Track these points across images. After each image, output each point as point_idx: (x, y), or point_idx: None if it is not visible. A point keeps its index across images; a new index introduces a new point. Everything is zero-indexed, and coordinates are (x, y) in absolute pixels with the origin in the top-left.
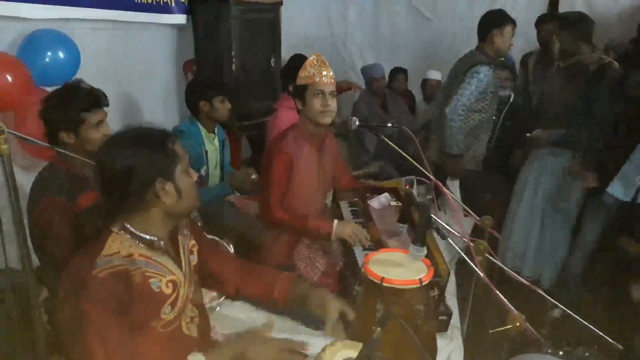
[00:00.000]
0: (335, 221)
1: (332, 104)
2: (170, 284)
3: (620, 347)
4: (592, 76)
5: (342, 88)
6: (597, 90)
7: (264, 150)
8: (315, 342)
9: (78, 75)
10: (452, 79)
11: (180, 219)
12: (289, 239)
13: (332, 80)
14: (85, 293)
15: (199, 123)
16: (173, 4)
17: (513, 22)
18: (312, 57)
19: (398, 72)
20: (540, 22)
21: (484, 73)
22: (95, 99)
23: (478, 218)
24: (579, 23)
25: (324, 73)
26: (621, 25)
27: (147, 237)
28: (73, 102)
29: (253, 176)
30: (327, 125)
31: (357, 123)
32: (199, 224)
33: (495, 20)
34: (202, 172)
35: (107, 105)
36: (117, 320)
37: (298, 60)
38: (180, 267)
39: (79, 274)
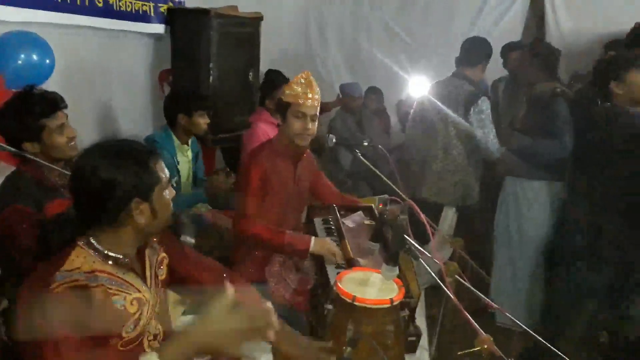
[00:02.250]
0: (313, 238)
1: (313, 127)
2: (135, 302)
3: None
4: (545, 104)
5: (325, 109)
6: (549, 119)
7: (240, 163)
8: None
9: (52, 80)
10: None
11: (151, 237)
12: (261, 256)
13: (317, 103)
14: (42, 308)
15: (173, 134)
16: (152, 13)
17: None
18: (300, 75)
19: (372, 92)
20: (507, 50)
21: (486, 105)
22: (52, 103)
23: (449, 237)
24: (544, 54)
25: (309, 95)
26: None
27: (112, 254)
28: (28, 110)
29: (231, 181)
30: (303, 147)
31: (334, 140)
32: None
33: (486, 53)
34: (173, 183)
35: (66, 107)
36: (74, 335)
37: (273, 76)
38: (146, 283)
39: (36, 287)
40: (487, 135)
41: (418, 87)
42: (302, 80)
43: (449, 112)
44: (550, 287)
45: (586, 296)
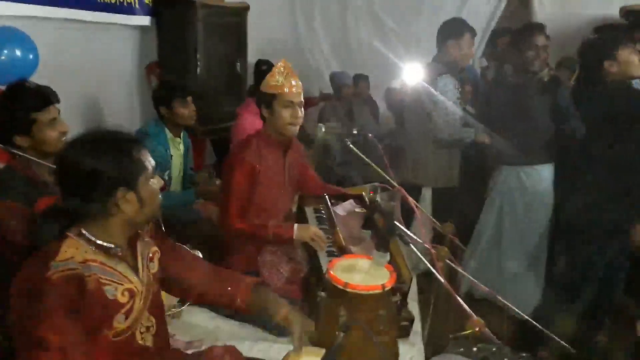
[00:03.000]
0: (296, 225)
1: (302, 114)
2: (126, 293)
3: (573, 350)
4: (535, 89)
5: (310, 104)
6: (535, 103)
7: (225, 157)
8: (277, 348)
9: (37, 75)
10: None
11: (141, 227)
12: (252, 246)
13: (300, 90)
14: (39, 294)
15: (165, 126)
16: (137, 5)
17: (472, 31)
18: (279, 64)
19: (360, 79)
20: (494, 36)
21: (444, 82)
22: (44, 97)
23: (439, 224)
24: (530, 38)
25: (293, 83)
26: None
27: (104, 244)
28: (20, 103)
29: (214, 182)
30: (293, 135)
31: (324, 130)
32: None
33: (452, 31)
34: (166, 176)
35: (58, 102)
36: (72, 319)
37: (265, 65)
38: (138, 275)
39: (32, 276)
40: (443, 115)
41: (408, 74)
42: (282, 69)
43: (427, 96)
44: (552, 268)
45: (589, 274)
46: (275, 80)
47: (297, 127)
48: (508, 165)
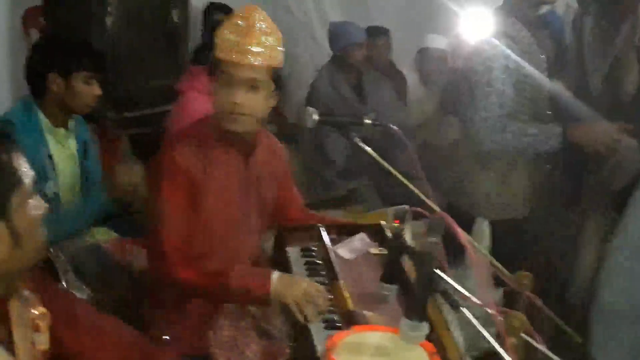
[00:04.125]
0: (275, 274)
1: (247, 102)
2: None
3: None
4: None
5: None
6: None
7: (153, 159)
8: None
9: None
10: None
11: (14, 279)
12: (199, 311)
13: (260, 62)
14: None
15: (39, 110)
16: None
17: None
18: (239, 12)
19: (378, 35)
20: None
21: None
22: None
23: (509, 274)
24: None
25: (248, 47)
26: None
27: None
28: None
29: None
30: (235, 133)
31: (316, 117)
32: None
33: None
34: (49, 190)
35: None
36: None
37: (217, 13)
38: (13, 354)
39: None
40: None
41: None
42: (240, 22)
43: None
44: None
45: None
46: (223, 37)
47: (240, 124)
48: None
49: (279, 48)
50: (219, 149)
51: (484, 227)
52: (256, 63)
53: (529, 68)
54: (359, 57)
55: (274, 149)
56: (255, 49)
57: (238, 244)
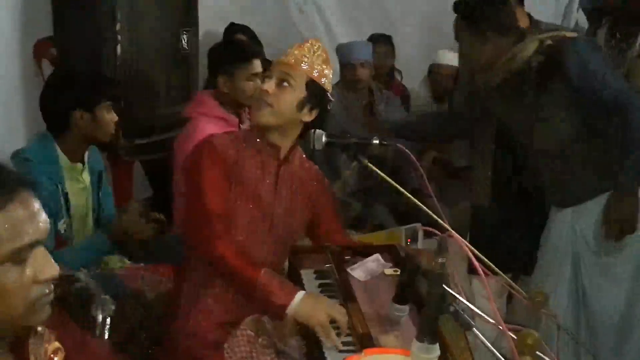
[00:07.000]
0: (302, 293)
1: (274, 93)
2: None
3: None
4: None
5: None
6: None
7: (176, 170)
8: None
9: None
10: None
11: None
12: (219, 319)
13: (299, 65)
14: None
15: (57, 146)
16: None
17: None
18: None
19: (378, 43)
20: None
21: None
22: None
23: (524, 293)
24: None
25: (294, 51)
26: None
27: None
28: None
29: (160, 218)
30: (261, 124)
31: (325, 139)
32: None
33: None
34: (61, 228)
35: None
36: None
37: (234, 37)
38: None
39: None
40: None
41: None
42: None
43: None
44: None
45: None
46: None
47: (266, 111)
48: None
49: (323, 66)
50: (250, 150)
51: None
52: (292, 61)
53: None
54: (365, 75)
55: (312, 171)
56: (297, 51)
57: (256, 251)
